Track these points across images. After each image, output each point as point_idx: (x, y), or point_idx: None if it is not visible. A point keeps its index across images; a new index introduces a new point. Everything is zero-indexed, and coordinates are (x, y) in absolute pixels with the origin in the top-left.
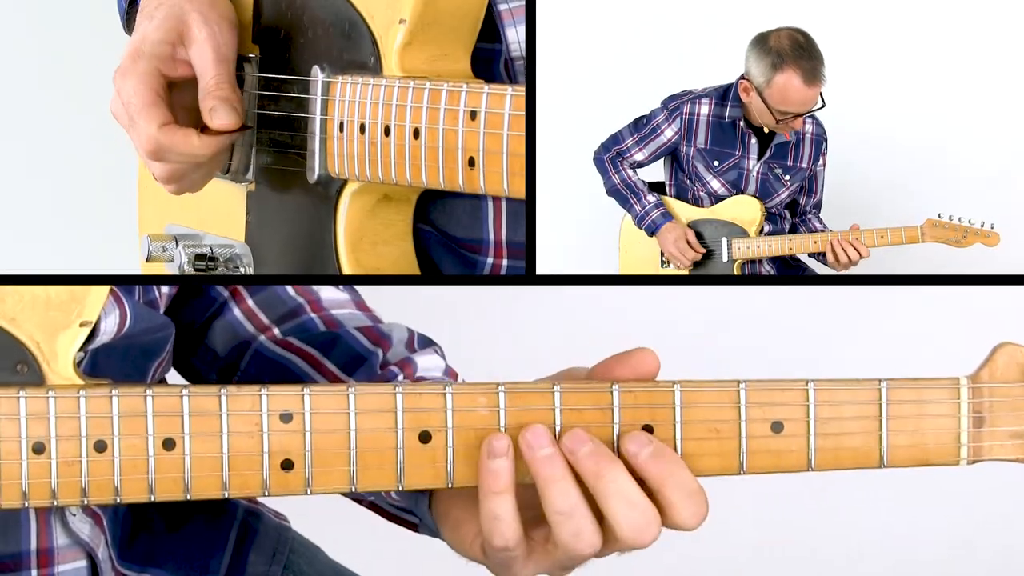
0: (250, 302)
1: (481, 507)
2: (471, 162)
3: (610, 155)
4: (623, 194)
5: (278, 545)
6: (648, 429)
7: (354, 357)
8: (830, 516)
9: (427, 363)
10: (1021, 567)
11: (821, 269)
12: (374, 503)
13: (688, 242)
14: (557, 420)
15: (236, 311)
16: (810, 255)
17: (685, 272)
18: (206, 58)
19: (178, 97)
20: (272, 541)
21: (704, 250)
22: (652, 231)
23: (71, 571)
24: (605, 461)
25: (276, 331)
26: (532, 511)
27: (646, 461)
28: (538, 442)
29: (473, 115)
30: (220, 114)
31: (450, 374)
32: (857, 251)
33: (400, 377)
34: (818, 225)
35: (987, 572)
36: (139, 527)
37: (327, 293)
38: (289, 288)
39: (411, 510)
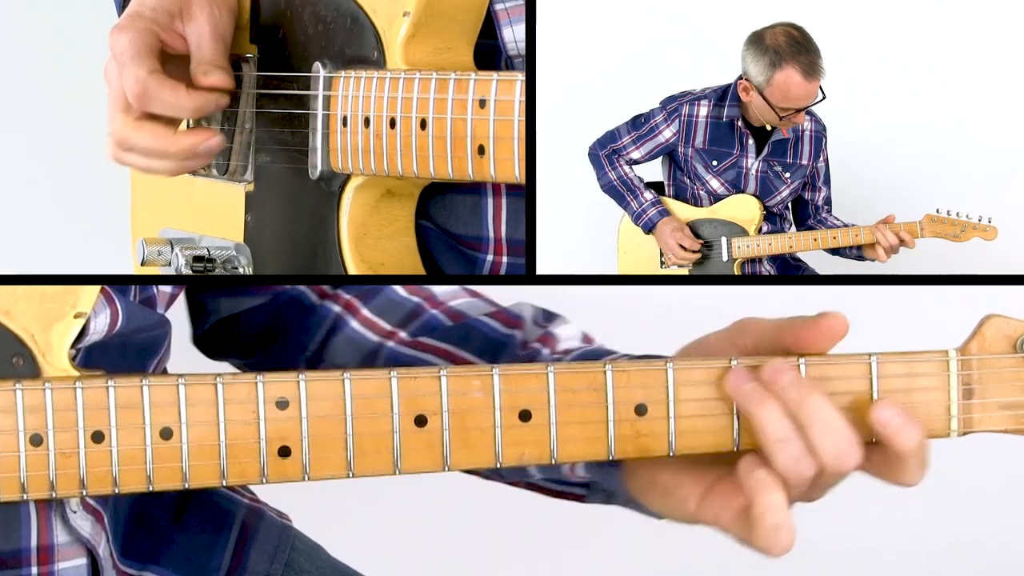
0: (366, 311)
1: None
2: (481, 150)
3: (605, 151)
4: (619, 191)
5: (279, 543)
6: (642, 409)
7: (491, 344)
8: (824, 507)
9: (566, 332)
10: (1015, 564)
11: (821, 269)
12: (535, 484)
13: (685, 234)
14: (551, 401)
15: (354, 323)
16: (835, 251)
17: (685, 272)
18: (204, 34)
19: (169, 70)
20: (273, 539)
21: (701, 242)
22: (649, 228)
23: (71, 568)
24: (805, 389)
25: (403, 334)
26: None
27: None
28: (739, 379)
29: (482, 103)
30: (213, 75)
31: (586, 339)
32: (898, 237)
33: (545, 352)
34: (837, 224)
35: (981, 570)
36: (140, 525)
37: (438, 288)
38: (400, 290)
39: (584, 483)
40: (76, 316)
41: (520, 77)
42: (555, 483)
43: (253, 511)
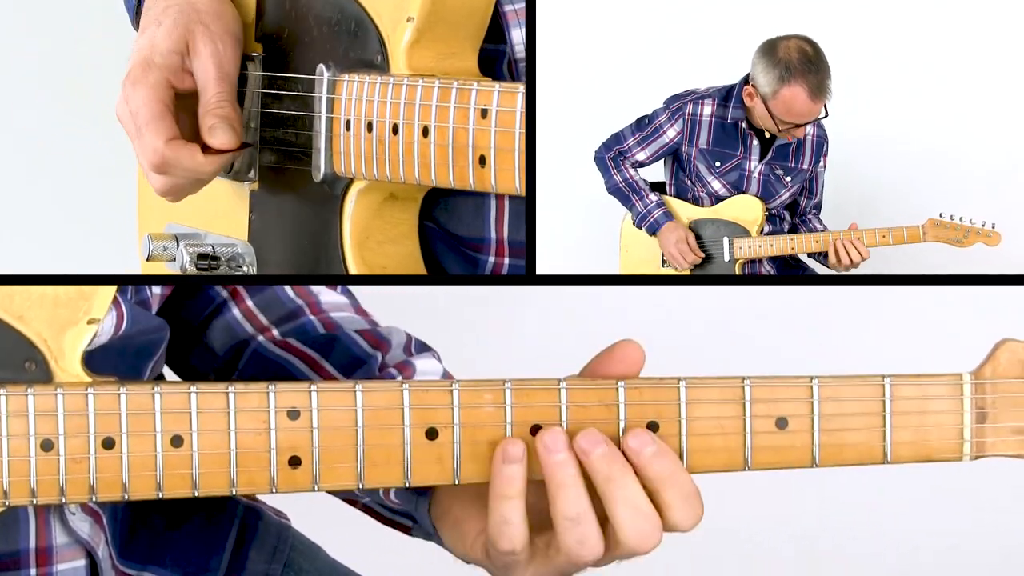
0: (249, 302)
1: (491, 510)
2: (482, 160)
3: (611, 154)
4: (625, 193)
5: (278, 543)
6: (653, 426)
7: (353, 359)
8: (832, 513)
9: (425, 366)
10: (1020, 566)
11: (822, 269)
12: (368, 506)
13: (688, 244)
14: (563, 417)
15: (235, 311)
16: (810, 255)
17: (686, 272)
18: (209, 75)
19: (181, 106)
20: (272, 539)
21: (703, 254)
22: (653, 231)
23: (70, 570)
24: (618, 465)
25: (275, 332)
26: (537, 516)
27: (648, 460)
28: (555, 445)
29: (484, 113)
30: (219, 134)
31: (447, 377)
32: (859, 252)
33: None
34: (818, 226)
35: (988, 571)
36: (139, 525)
37: (326, 296)
38: (288, 289)
39: (408, 513)
40: (89, 322)
41: (522, 88)
42: (381, 508)
43: (252, 511)
